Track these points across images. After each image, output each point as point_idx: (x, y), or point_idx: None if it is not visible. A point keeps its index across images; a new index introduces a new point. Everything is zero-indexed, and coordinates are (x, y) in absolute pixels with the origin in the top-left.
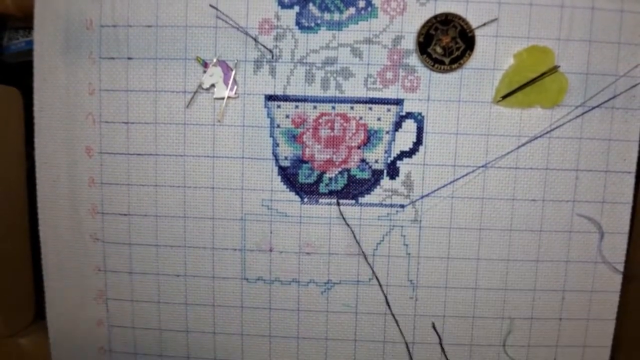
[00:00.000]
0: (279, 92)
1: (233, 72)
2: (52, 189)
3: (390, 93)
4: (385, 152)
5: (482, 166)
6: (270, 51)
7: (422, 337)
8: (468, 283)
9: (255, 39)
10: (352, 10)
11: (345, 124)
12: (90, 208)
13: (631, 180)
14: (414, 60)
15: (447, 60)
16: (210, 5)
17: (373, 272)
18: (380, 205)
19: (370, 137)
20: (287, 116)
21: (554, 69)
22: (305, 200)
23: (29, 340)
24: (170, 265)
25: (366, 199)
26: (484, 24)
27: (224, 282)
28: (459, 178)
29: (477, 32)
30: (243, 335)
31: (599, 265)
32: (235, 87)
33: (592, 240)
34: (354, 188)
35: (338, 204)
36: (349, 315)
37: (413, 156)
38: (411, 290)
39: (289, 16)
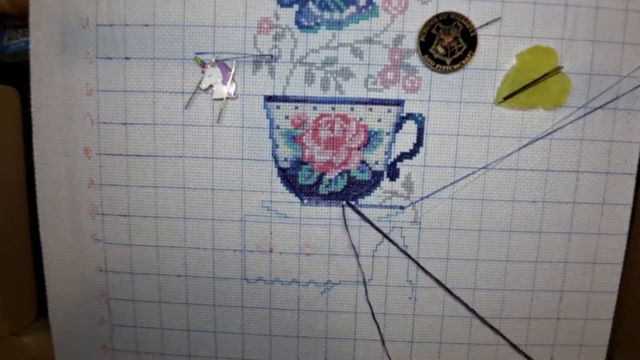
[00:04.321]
0: (279, 93)
1: (232, 73)
2: (52, 190)
3: (390, 94)
4: (386, 153)
5: (483, 168)
6: (271, 56)
7: (421, 336)
8: (466, 283)
9: (256, 55)
10: (352, 8)
11: (345, 125)
12: (90, 209)
13: (632, 181)
14: (415, 60)
15: (448, 60)
16: (197, 54)
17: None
18: (380, 206)
19: (370, 139)
20: (287, 117)
21: (557, 70)
22: (305, 201)
23: (32, 339)
24: (170, 266)
25: (366, 200)
26: (487, 24)
27: (224, 282)
28: (460, 180)
29: (480, 32)
30: (244, 334)
31: (597, 265)
32: (234, 88)
33: (591, 241)
34: (354, 189)
35: (344, 206)
36: (348, 314)
37: (413, 157)
38: (410, 291)
39: (288, 15)
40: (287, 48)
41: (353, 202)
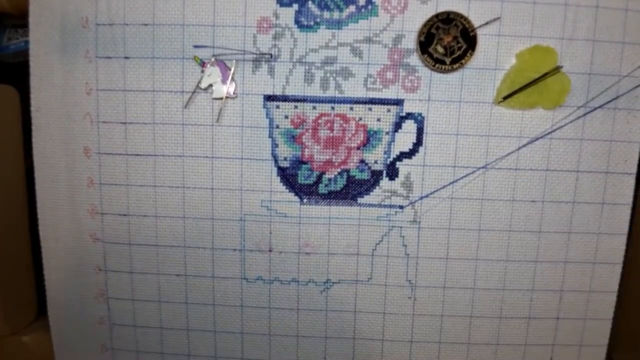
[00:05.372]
0: (278, 92)
1: (231, 72)
2: (51, 189)
3: (390, 93)
4: (385, 153)
5: (482, 167)
6: (270, 55)
7: (421, 336)
8: (466, 283)
9: (256, 53)
10: (352, 8)
11: (344, 125)
12: (90, 208)
13: (632, 181)
14: (415, 59)
15: (448, 60)
16: (195, 46)
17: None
18: (380, 205)
19: (369, 138)
20: (286, 117)
21: (557, 70)
22: (305, 200)
23: (32, 338)
24: (170, 265)
25: (365, 199)
26: (487, 23)
27: (223, 281)
28: (459, 179)
29: (479, 32)
30: (243, 333)
31: (597, 265)
32: (234, 87)
33: (591, 240)
34: (353, 189)
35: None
36: (348, 314)
37: (413, 157)
38: (410, 290)
39: (287, 14)
40: (287, 47)
41: (352, 202)
